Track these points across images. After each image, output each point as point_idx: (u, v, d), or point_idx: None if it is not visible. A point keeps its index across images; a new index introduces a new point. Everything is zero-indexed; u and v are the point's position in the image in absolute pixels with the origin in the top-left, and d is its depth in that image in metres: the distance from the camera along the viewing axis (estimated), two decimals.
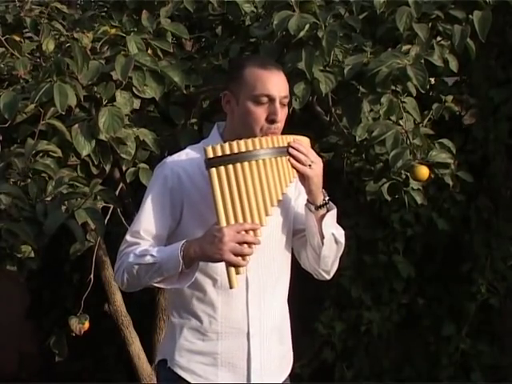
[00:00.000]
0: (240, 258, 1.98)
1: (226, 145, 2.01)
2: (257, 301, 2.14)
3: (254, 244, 2.00)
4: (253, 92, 2.07)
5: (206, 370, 2.14)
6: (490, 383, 4.07)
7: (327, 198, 2.13)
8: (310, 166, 2.07)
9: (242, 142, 2.02)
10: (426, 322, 4.27)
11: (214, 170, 2.00)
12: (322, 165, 2.12)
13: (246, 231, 1.99)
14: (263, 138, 2.05)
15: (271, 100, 2.07)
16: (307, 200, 2.13)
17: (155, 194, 2.14)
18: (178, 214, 2.13)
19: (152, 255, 2.05)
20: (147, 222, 2.12)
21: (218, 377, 2.14)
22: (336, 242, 2.16)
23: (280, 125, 2.11)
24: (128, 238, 2.14)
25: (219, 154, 2.01)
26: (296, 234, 2.22)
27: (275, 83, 2.08)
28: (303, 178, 2.09)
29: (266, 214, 2.03)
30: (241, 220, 2.00)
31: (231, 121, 2.15)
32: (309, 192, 2.11)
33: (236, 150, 2.01)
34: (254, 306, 2.13)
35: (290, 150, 2.06)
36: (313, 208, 2.12)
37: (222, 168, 2.00)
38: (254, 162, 2.02)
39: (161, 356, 2.23)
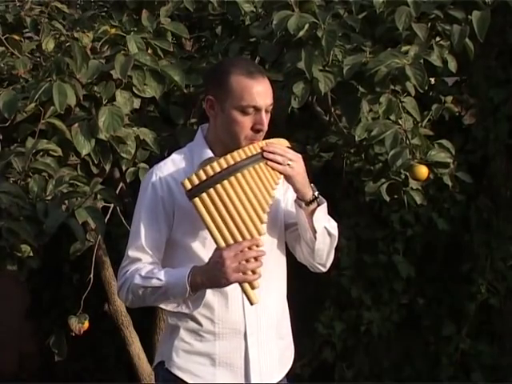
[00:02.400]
0: (249, 273, 1.99)
1: (201, 172, 2.01)
2: None
3: (259, 256, 2.01)
4: (239, 102, 2.07)
5: (203, 370, 2.15)
6: (489, 383, 4.06)
7: (316, 193, 2.12)
8: (289, 165, 2.06)
9: (215, 163, 2.01)
10: (426, 322, 4.26)
11: (197, 200, 2.00)
12: (302, 162, 2.11)
13: (249, 247, 2.00)
14: (235, 152, 2.04)
15: (257, 110, 2.08)
16: (296, 197, 2.13)
17: (148, 206, 2.15)
18: (171, 222, 2.14)
19: (158, 278, 2.06)
20: (145, 235, 2.13)
21: (216, 377, 2.14)
22: (329, 234, 2.16)
23: (263, 133, 2.11)
24: (129, 252, 2.16)
25: (196, 182, 2.00)
26: (288, 228, 2.22)
27: (262, 93, 2.08)
28: (287, 178, 2.09)
29: (261, 222, 2.03)
30: (238, 236, 2.00)
31: (214, 125, 2.15)
32: (296, 190, 2.11)
33: (211, 173, 2.01)
34: (249, 306, 2.11)
35: (265, 154, 2.06)
36: (303, 204, 2.12)
37: (205, 195, 2.00)
38: (233, 178, 2.02)
39: (159, 358, 2.23)
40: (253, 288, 2.01)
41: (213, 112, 2.13)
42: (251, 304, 2.02)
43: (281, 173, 2.07)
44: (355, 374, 4.30)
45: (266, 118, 2.10)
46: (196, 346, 2.15)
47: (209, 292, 2.12)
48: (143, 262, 2.13)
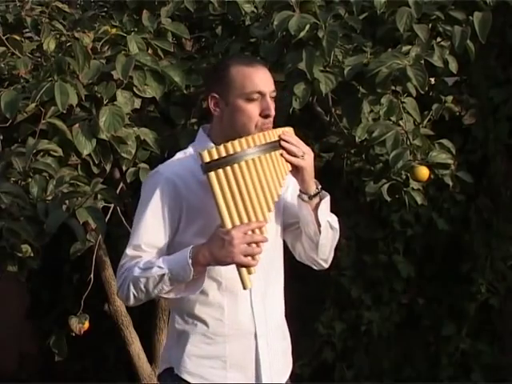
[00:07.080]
0: (250, 257, 1.98)
1: (221, 147, 2.01)
2: (260, 300, 2.13)
3: (263, 242, 2.00)
4: (243, 90, 2.07)
5: (214, 373, 2.11)
6: (489, 383, 4.07)
7: (319, 187, 2.13)
8: (302, 156, 2.07)
9: (236, 142, 2.01)
10: (426, 322, 4.27)
11: (212, 173, 1.99)
12: (312, 154, 2.12)
13: (253, 230, 1.99)
14: (255, 135, 2.04)
15: (262, 95, 2.08)
16: (300, 190, 2.13)
17: (153, 205, 2.09)
18: (176, 223, 2.10)
19: (159, 266, 2.01)
20: (147, 234, 2.09)
21: (228, 379, 2.11)
22: (331, 228, 2.17)
23: (272, 119, 2.11)
24: (128, 251, 2.10)
25: (215, 157, 2.00)
26: (288, 228, 2.22)
27: (263, 79, 2.09)
28: (297, 170, 2.09)
29: (269, 210, 2.04)
30: (245, 219, 2.00)
31: (219, 123, 2.13)
32: (302, 182, 2.11)
33: (231, 151, 2.00)
34: (258, 306, 2.12)
35: (283, 143, 2.06)
36: (306, 198, 2.12)
37: (221, 171, 2.00)
38: (250, 161, 2.02)
39: (166, 364, 2.18)
40: (249, 273, 1.99)
41: (218, 109, 2.12)
42: (244, 288, 2.00)
43: (293, 164, 2.07)
44: (355, 374, 4.31)
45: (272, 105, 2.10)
46: (206, 349, 2.11)
47: (217, 293, 2.10)
48: (144, 259, 2.08)
